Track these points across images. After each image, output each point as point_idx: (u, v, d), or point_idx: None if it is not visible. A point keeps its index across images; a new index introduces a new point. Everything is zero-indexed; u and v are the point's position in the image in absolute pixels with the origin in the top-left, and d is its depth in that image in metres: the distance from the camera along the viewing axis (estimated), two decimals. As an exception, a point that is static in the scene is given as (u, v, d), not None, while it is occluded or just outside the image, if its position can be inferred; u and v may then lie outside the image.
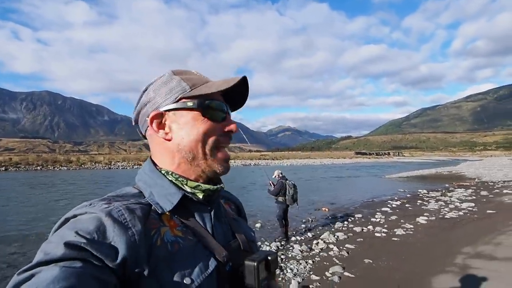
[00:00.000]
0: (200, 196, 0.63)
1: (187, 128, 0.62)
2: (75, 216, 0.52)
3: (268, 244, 5.99)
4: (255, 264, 0.59)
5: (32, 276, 0.42)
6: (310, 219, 8.30)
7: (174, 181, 0.62)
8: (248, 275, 0.59)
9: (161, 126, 0.63)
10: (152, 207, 0.58)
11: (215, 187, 0.64)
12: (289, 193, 6.31)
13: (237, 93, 0.68)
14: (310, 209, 9.78)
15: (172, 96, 0.62)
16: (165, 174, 0.63)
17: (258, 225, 7.62)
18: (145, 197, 0.60)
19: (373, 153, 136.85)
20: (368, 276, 4.32)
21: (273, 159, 64.20)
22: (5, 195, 13.46)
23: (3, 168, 31.91)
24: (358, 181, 20.76)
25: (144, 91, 0.66)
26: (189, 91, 0.62)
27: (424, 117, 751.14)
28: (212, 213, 0.65)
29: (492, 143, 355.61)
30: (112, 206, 0.53)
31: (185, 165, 0.63)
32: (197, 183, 0.62)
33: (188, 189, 0.62)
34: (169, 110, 0.62)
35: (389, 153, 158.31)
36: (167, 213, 0.59)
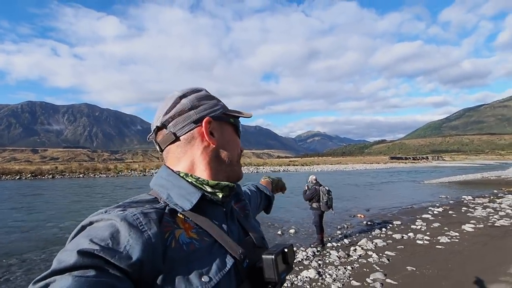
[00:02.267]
0: (220, 195, 0.66)
1: (230, 138, 0.72)
2: (91, 223, 0.54)
3: (304, 249, 6.01)
4: (273, 257, 0.61)
5: (47, 285, 0.43)
6: (345, 226, 8.17)
7: (194, 182, 0.64)
8: (267, 268, 0.61)
9: (211, 133, 0.69)
10: (166, 210, 0.60)
11: (233, 184, 0.69)
12: (323, 199, 6.31)
13: None
14: (345, 216, 9.59)
15: (219, 109, 0.71)
16: (184, 176, 0.65)
17: (292, 230, 7.67)
18: (159, 203, 0.61)
19: (409, 158, 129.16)
20: (412, 283, 4.20)
21: (303, 165, 63.35)
22: (55, 201, 14.88)
23: (51, 176, 34.35)
24: (395, 187, 19.79)
25: (179, 98, 0.68)
26: (227, 110, 0.74)
27: (466, 118, 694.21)
28: (226, 213, 0.69)
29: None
30: (127, 212, 0.54)
31: (217, 167, 0.68)
32: (217, 182, 0.66)
33: (209, 189, 0.65)
34: (217, 120, 0.70)
35: (427, 157, 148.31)
36: (181, 216, 0.61)
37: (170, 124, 0.67)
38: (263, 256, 0.62)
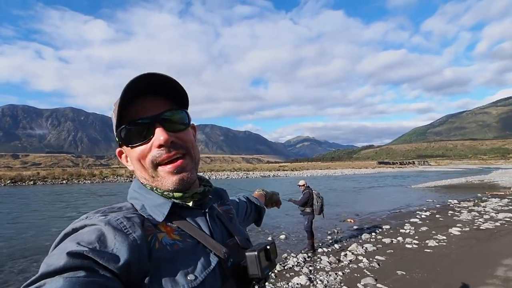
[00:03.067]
0: (190, 203, 0.66)
1: (130, 160, 0.66)
2: (74, 230, 0.54)
3: (294, 255, 5.96)
4: (256, 253, 0.62)
5: None
6: (335, 231, 8.18)
7: (161, 195, 0.65)
8: (251, 265, 0.62)
9: (126, 159, 0.68)
10: (146, 216, 0.61)
11: (202, 189, 0.68)
12: (317, 202, 6.28)
13: (165, 87, 0.62)
14: (335, 221, 9.62)
15: (116, 134, 0.65)
16: (151, 189, 0.66)
17: (282, 236, 7.61)
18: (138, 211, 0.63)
19: (396, 163, 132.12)
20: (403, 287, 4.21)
21: (292, 170, 63.62)
22: (36, 208, 14.30)
23: (32, 182, 33.00)
24: (383, 192, 20.08)
25: None
26: (114, 126, 0.64)
27: (449, 124, 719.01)
28: (206, 215, 0.68)
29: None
30: (110, 217, 0.55)
31: (152, 183, 0.65)
32: (181, 194, 0.64)
33: (177, 200, 0.64)
34: (119, 146, 0.67)
35: (413, 162, 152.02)
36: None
37: None
38: (246, 253, 0.63)
